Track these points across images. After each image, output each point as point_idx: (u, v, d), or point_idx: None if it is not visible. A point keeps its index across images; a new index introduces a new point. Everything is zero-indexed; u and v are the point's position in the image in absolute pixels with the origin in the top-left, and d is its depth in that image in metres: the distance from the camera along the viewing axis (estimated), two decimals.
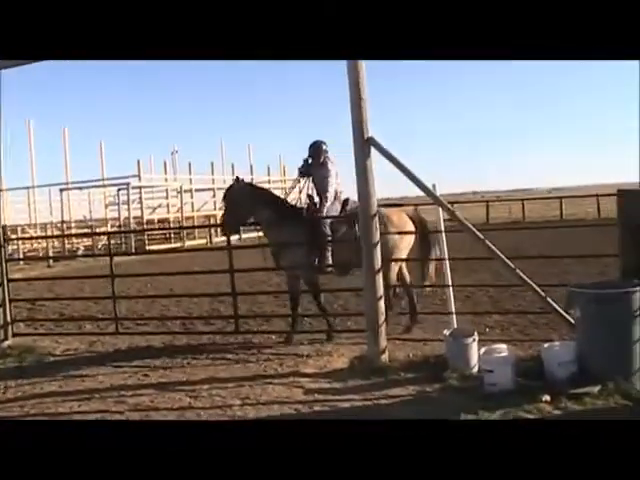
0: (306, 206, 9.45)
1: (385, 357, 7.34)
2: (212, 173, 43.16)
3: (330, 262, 9.00)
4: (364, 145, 7.19)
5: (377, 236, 7.33)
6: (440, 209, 7.61)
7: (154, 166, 42.99)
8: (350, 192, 9.02)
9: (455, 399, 6.10)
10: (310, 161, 9.39)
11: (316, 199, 9.40)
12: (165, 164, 43.09)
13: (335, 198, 9.27)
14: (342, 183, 9.44)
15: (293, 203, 9.60)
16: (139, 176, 36.32)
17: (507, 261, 6.97)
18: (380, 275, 7.38)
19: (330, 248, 8.98)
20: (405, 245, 8.99)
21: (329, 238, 8.97)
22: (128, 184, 35.27)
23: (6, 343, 9.59)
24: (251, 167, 47.29)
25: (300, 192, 9.59)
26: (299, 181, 9.57)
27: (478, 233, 7.01)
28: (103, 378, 7.81)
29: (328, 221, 9.02)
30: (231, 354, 8.54)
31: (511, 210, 45.85)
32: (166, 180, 40.31)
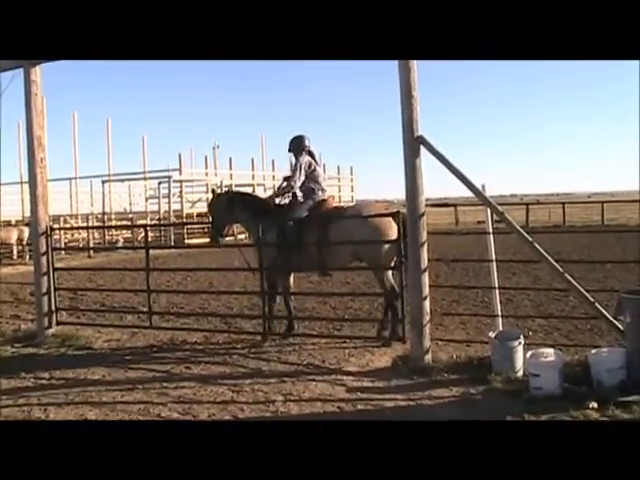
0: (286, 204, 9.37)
1: (429, 357, 7.28)
2: (252, 169, 43.33)
3: (296, 263, 8.91)
4: (413, 143, 7.14)
5: (424, 235, 7.25)
6: (488, 210, 7.51)
7: (195, 160, 43.34)
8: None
9: (500, 402, 6.05)
10: (292, 156, 9.45)
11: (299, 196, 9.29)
12: (206, 159, 43.39)
13: (310, 197, 9.11)
14: (324, 181, 9.36)
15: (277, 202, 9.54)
16: (180, 170, 36.56)
17: (555, 264, 6.87)
18: (426, 274, 7.30)
19: (293, 249, 8.74)
20: (393, 250, 8.34)
21: (292, 239, 8.75)
22: (169, 177, 35.60)
23: (50, 331, 9.68)
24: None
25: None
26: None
27: (527, 236, 6.93)
28: (145, 370, 7.86)
29: (292, 222, 8.84)
30: (272, 349, 8.55)
31: (551, 214, 45.35)
32: (207, 175, 40.51)
